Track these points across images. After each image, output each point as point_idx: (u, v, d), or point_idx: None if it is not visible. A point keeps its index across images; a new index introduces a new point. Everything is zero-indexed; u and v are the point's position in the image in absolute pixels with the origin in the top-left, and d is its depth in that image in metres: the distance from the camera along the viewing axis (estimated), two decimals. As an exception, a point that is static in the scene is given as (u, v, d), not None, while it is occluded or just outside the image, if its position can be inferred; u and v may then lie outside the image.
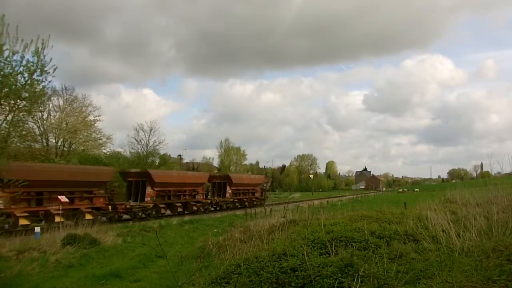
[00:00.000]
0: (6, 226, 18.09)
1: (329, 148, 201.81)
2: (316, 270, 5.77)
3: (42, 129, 32.64)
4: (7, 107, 11.87)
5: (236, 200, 36.48)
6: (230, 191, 35.37)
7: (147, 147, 47.21)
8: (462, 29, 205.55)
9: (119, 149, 46.66)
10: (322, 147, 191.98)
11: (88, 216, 21.40)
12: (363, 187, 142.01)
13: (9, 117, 12.08)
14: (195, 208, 30.17)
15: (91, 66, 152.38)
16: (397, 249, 6.82)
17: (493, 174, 20.23)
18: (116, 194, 26.29)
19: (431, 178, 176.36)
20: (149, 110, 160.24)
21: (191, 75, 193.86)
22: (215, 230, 19.58)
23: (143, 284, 9.71)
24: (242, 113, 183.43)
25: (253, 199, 39.41)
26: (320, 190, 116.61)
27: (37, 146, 31.33)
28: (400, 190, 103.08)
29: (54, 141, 33.98)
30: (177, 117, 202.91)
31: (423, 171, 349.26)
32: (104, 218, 22.56)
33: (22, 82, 11.88)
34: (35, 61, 11.85)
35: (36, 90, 12.21)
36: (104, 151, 38.45)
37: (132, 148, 47.20)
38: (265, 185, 45.47)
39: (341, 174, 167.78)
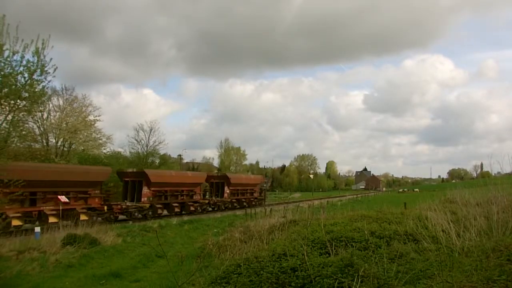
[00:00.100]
0: None
1: (329, 148, 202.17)
2: (316, 270, 5.77)
3: (42, 129, 32.69)
4: (7, 107, 11.86)
5: (234, 200, 36.34)
6: (228, 191, 35.24)
7: (147, 147, 47.26)
8: (462, 29, 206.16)
9: (119, 149, 46.71)
10: (322, 147, 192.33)
11: (83, 217, 21.12)
12: (363, 187, 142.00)
13: (9, 117, 12.07)
14: (192, 208, 30.02)
15: (91, 66, 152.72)
16: (397, 249, 6.82)
17: (493, 174, 20.28)
18: (112, 194, 26.10)
19: (431, 178, 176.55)
20: (149, 110, 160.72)
21: (191, 75, 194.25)
22: (215, 230, 19.59)
23: (143, 284, 9.71)
24: (242, 113, 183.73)
25: (252, 199, 39.27)
26: (320, 190, 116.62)
27: (37, 146, 31.33)
28: (400, 190, 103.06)
29: (54, 141, 34.05)
30: (177, 117, 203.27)
31: (423, 171, 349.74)
32: (99, 219, 22.30)
33: (22, 82, 11.87)
34: (35, 61, 11.85)
35: (36, 90, 12.20)
36: (104, 151, 38.55)
37: (132, 148, 47.28)
38: (264, 185, 45.48)
39: (341, 174, 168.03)
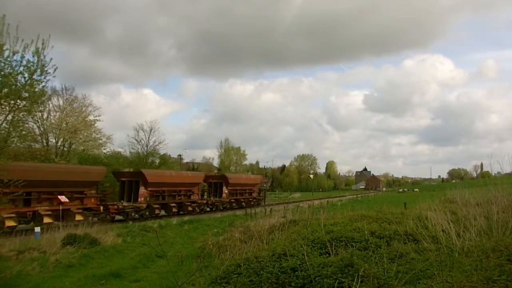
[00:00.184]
0: None
1: (329, 148, 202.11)
2: (316, 270, 5.77)
3: (42, 129, 32.68)
4: (7, 107, 11.86)
5: (233, 200, 36.19)
6: (226, 191, 35.08)
7: (147, 147, 47.23)
8: (462, 29, 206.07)
9: (119, 149, 46.70)
10: (322, 147, 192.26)
11: (79, 217, 20.93)
12: (363, 187, 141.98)
13: (9, 117, 12.07)
14: (190, 208, 29.79)
15: (91, 66, 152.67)
16: (397, 249, 6.82)
17: (493, 174, 20.27)
18: (108, 194, 25.89)
19: (431, 178, 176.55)
20: (149, 110, 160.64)
21: (191, 75, 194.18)
22: (215, 230, 19.60)
23: (143, 284, 9.71)
24: (242, 113, 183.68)
25: (250, 199, 39.08)
26: (320, 190, 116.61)
27: (37, 146, 31.32)
28: (400, 190, 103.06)
29: (54, 141, 34.04)
30: (177, 117, 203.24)
31: (423, 171, 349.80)
32: (95, 219, 21.98)
33: (22, 82, 11.87)
34: (35, 61, 11.85)
35: (36, 90, 12.20)
36: (104, 151, 38.53)
37: (132, 148, 47.24)
38: (264, 185, 45.38)
39: (341, 174, 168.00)
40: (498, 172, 15.94)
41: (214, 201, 33.65)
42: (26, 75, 11.83)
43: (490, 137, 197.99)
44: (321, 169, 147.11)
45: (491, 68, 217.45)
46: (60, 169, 22.79)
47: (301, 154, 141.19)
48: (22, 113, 12.63)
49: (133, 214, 24.94)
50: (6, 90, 11.53)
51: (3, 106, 11.76)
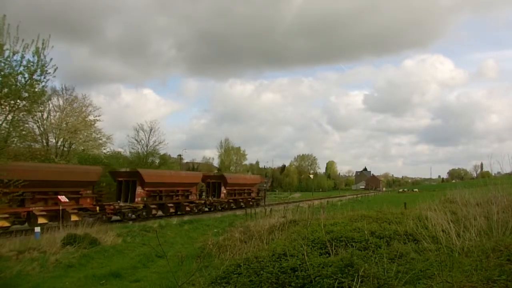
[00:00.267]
0: None
1: (329, 148, 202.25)
2: (316, 270, 5.77)
3: (42, 129, 32.70)
4: (7, 107, 11.86)
5: (231, 201, 35.98)
6: (225, 191, 34.86)
7: (147, 147, 47.23)
8: (462, 29, 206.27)
9: (119, 149, 46.67)
10: (322, 147, 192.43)
11: (74, 217, 20.64)
12: (363, 187, 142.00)
13: (9, 117, 12.08)
14: (188, 208, 29.45)
15: (91, 66, 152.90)
16: (397, 249, 6.82)
17: (493, 174, 20.27)
18: (104, 195, 25.59)
19: (431, 178, 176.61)
20: (149, 110, 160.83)
21: (191, 75, 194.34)
22: (215, 230, 19.60)
23: (143, 284, 9.71)
24: (242, 113, 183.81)
25: (249, 199, 38.82)
26: (320, 190, 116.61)
27: (37, 146, 31.31)
28: (400, 190, 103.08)
29: (54, 141, 34.05)
30: (177, 117, 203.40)
31: (423, 171, 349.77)
32: (91, 219, 21.28)
33: (22, 82, 11.87)
34: (35, 61, 11.85)
35: (36, 90, 12.20)
36: (104, 151, 38.54)
37: (132, 148, 47.24)
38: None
39: (341, 174, 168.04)
40: (498, 172, 15.96)
41: (212, 201, 33.37)
42: (26, 75, 11.84)
43: (490, 137, 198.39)
44: (321, 169, 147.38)
45: (491, 68, 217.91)
46: (55, 169, 22.42)
47: (301, 154, 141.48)
48: (22, 113, 12.64)
49: (129, 214, 24.60)
50: (6, 90, 11.53)
51: (3, 106, 11.77)
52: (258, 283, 5.83)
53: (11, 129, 12.33)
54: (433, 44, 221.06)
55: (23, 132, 13.89)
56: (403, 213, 12.02)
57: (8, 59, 11.55)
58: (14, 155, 15.58)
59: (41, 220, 19.21)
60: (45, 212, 19.97)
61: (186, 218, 24.89)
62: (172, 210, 28.13)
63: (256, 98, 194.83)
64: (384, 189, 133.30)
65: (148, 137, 47.19)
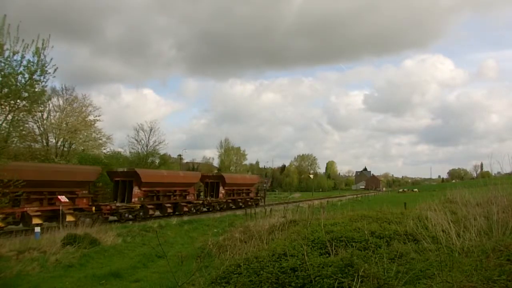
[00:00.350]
0: None
1: (329, 148, 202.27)
2: (316, 270, 5.77)
3: (42, 129, 32.70)
4: (7, 107, 11.86)
5: (229, 201, 35.84)
6: (223, 192, 34.71)
7: (147, 147, 47.27)
8: (462, 29, 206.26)
9: (119, 149, 46.76)
10: (322, 147, 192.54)
11: (70, 218, 20.40)
12: (363, 187, 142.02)
13: (9, 117, 12.07)
14: (186, 209, 29.23)
15: (91, 66, 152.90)
16: (397, 249, 6.81)
17: (493, 174, 20.22)
18: (100, 195, 25.41)
19: (431, 178, 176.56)
20: (149, 110, 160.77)
21: (192, 75, 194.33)
22: (215, 230, 19.60)
23: (143, 284, 9.71)
24: (242, 113, 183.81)
25: (248, 199, 38.70)
26: (320, 190, 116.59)
27: (37, 146, 31.33)
28: (400, 190, 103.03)
29: (54, 141, 34.06)
30: (177, 117, 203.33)
31: (423, 171, 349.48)
32: (87, 220, 20.98)
33: (22, 82, 11.87)
34: (36, 61, 11.84)
35: (36, 90, 12.19)
36: (104, 151, 38.55)
37: (132, 148, 47.30)
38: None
39: (341, 174, 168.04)
40: (498, 172, 15.92)
41: (210, 201, 33.12)
42: (26, 75, 11.83)
43: (490, 137, 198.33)
44: (321, 169, 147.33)
45: (491, 68, 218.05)
46: (50, 169, 22.09)
47: (301, 154, 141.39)
48: (22, 113, 12.63)
49: (126, 214, 24.37)
50: (6, 90, 11.53)
51: (3, 106, 11.76)
52: (258, 283, 5.83)
53: (11, 129, 12.33)
54: (433, 44, 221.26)
55: (23, 132, 13.89)
56: (403, 213, 12.01)
57: (8, 59, 11.54)
58: (14, 155, 15.59)
59: (35, 221, 18.98)
60: (40, 212, 19.74)
61: (186, 218, 24.89)
62: (169, 210, 27.90)
63: (256, 98, 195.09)
64: (384, 189, 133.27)
65: (148, 137, 47.28)
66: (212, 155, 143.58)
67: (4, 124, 12.07)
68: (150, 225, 20.79)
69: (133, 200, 25.27)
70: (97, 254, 13.33)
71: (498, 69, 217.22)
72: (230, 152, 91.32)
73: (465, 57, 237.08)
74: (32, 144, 28.67)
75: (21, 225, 19.15)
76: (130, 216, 24.61)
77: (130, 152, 47.07)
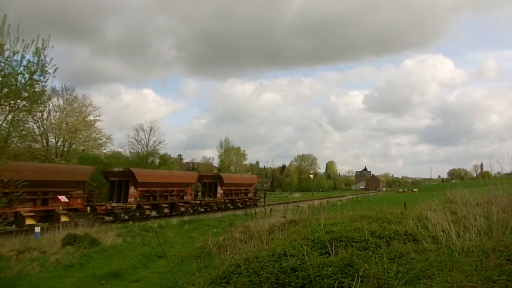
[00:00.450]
0: None
1: (329, 148, 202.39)
2: (316, 270, 5.77)
3: (42, 129, 32.72)
4: (7, 107, 11.85)
5: (227, 201, 35.57)
6: (221, 192, 34.48)
7: (147, 147, 47.31)
8: (462, 29, 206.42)
9: (119, 149, 46.80)
10: (322, 147, 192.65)
11: (64, 218, 20.06)
12: (363, 187, 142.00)
13: (9, 117, 12.06)
14: (183, 209, 28.89)
15: (91, 66, 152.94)
16: (397, 249, 6.81)
17: (493, 174, 20.23)
18: (95, 195, 25.06)
19: (431, 178, 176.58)
20: (149, 110, 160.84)
21: (192, 75, 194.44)
22: (215, 230, 19.60)
23: (143, 284, 9.71)
24: (242, 113, 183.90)
25: (246, 199, 38.44)
26: (320, 190, 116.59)
27: (37, 146, 31.33)
28: (400, 190, 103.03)
29: (54, 141, 34.08)
30: (177, 117, 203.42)
31: (423, 171, 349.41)
32: (81, 220, 20.50)
33: (22, 82, 11.86)
34: (35, 61, 11.83)
35: (36, 90, 12.19)
36: (104, 151, 38.57)
37: (132, 148, 47.33)
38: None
39: (341, 174, 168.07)
40: (498, 172, 15.92)
41: (208, 202, 32.80)
42: (26, 75, 11.82)
43: (490, 137, 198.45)
44: (321, 169, 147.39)
45: (491, 68, 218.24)
46: (44, 169, 21.73)
47: (301, 154, 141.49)
48: (22, 113, 12.61)
49: (122, 215, 24.09)
50: (6, 90, 11.52)
51: (3, 106, 11.74)
52: (258, 283, 5.83)
53: (11, 129, 12.31)
54: (433, 44, 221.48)
55: (23, 132, 13.86)
56: (403, 213, 12.01)
57: (8, 59, 11.52)
58: (14, 155, 15.56)
59: (28, 221, 18.77)
60: (33, 213, 19.50)
61: (186, 218, 24.85)
62: (166, 210, 27.55)
63: (256, 98, 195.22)
64: (384, 189, 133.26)
65: (148, 137, 47.31)
66: (212, 155, 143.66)
67: (4, 124, 12.06)
68: (150, 225, 20.79)
69: (129, 200, 25.00)
70: (97, 254, 13.33)
71: (498, 69, 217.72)
72: (230, 152, 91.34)
73: (465, 57, 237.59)
74: (32, 144, 28.64)
75: (14, 226, 18.86)
76: (126, 217, 24.34)
77: (130, 152, 47.18)
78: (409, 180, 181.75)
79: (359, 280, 5.20)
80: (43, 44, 11.80)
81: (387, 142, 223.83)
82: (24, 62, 11.68)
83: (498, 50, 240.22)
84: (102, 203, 24.19)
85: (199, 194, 34.28)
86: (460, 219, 8.45)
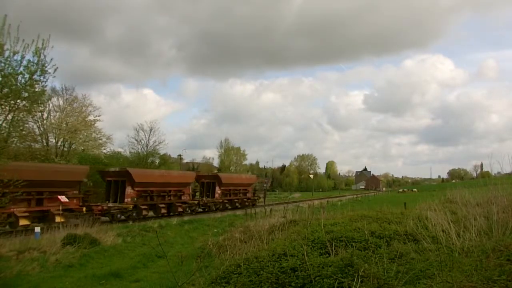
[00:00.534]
0: None
1: (329, 148, 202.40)
2: (316, 270, 5.77)
3: (42, 129, 32.73)
4: (7, 107, 11.85)
5: (226, 201, 35.38)
6: (219, 192, 34.28)
7: (147, 147, 47.33)
8: (462, 29, 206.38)
9: (119, 149, 46.82)
10: (322, 147, 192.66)
11: (59, 219, 19.83)
12: (363, 187, 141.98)
13: (9, 117, 12.06)
14: (180, 209, 28.61)
15: (91, 66, 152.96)
16: (397, 249, 6.81)
17: (493, 174, 20.22)
18: (91, 195, 24.93)
19: (431, 178, 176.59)
20: (149, 110, 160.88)
21: (192, 75, 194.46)
22: (215, 230, 19.61)
23: (143, 284, 9.71)
24: (242, 113, 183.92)
25: (245, 199, 38.20)
26: (320, 190, 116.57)
27: (37, 146, 31.33)
28: (400, 190, 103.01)
29: (54, 141, 34.11)
30: (177, 117, 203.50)
31: (423, 171, 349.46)
32: (77, 221, 19.81)
33: (22, 82, 11.86)
34: (36, 61, 11.83)
35: (36, 90, 12.19)
36: (104, 151, 38.58)
37: (132, 148, 47.36)
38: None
39: (341, 174, 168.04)
40: (498, 172, 15.91)
41: (206, 202, 32.57)
42: (26, 75, 11.82)
43: (490, 137, 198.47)
44: (321, 169, 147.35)
45: (491, 68, 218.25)
46: (39, 168, 21.40)
47: (301, 154, 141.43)
48: (22, 113, 12.61)
49: (119, 215, 23.87)
50: (6, 90, 11.52)
51: (3, 106, 11.74)
52: (258, 283, 5.83)
53: (11, 129, 12.30)
54: (433, 44, 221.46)
55: (23, 132, 13.85)
56: (403, 213, 12.01)
57: (8, 59, 11.52)
58: (14, 155, 15.55)
59: (22, 222, 18.60)
60: (28, 213, 19.31)
61: (186, 218, 24.82)
62: (164, 210, 27.32)
63: (256, 98, 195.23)
64: (384, 189, 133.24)
65: (148, 137, 47.33)
66: (212, 155, 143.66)
67: (4, 124, 12.06)
68: (150, 225, 20.79)
69: (126, 200, 24.73)
70: (97, 254, 13.33)
71: (498, 69, 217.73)
72: (230, 152, 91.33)
73: (465, 57, 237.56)
74: (32, 144, 28.62)
75: (7, 226, 18.69)
76: (123, 217, 24.11)
77: (130, 152, 47.20)
78: (409, 180, 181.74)
79: (359, 280, 5.20)
80: (43, 44, 11.80)
81: (387, 142, 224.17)
82: (24, 62, 11.69)
83: (498, 50, 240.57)
84: (98, 203, 23.93)
85: (197, 194, 34.13)
86: (460, 219, 8.45)
